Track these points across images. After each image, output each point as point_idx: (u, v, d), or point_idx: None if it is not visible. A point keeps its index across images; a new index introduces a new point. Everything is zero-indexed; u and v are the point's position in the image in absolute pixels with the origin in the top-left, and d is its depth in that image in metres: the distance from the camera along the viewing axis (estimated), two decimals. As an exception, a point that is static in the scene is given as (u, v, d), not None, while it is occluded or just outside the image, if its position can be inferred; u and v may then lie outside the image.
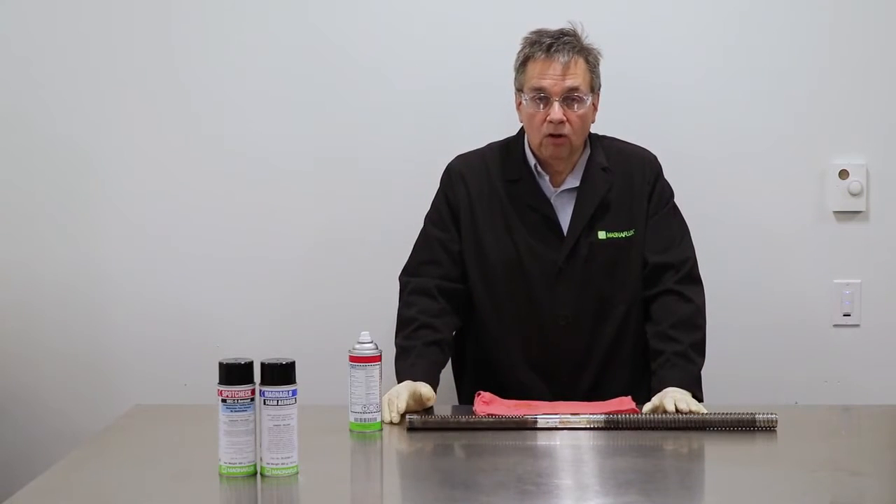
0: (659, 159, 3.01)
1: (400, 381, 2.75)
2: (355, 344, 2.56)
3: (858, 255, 3.38)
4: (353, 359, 2.55)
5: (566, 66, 2.83)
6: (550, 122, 2.83)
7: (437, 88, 3.35)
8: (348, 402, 2.55)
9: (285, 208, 3.41)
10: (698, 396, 2.76)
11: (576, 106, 2.84)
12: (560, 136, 2.85)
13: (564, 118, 2.83)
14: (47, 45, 3.38)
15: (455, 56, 3.34)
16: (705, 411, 2.60)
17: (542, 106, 2.85)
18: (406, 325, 2.89)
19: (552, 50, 2.83)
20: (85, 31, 3.38)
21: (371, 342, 2.56)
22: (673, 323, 2.86)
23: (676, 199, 3.01)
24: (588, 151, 2.95)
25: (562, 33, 2.87)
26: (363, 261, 3.39)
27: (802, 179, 3.37)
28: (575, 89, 2.83)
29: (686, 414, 2.59)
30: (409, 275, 2.98)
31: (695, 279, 2.94)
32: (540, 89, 2.84)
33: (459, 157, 3.04)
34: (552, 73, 2.83)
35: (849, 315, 3.39)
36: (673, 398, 2.64)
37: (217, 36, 3.38)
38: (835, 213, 3.37)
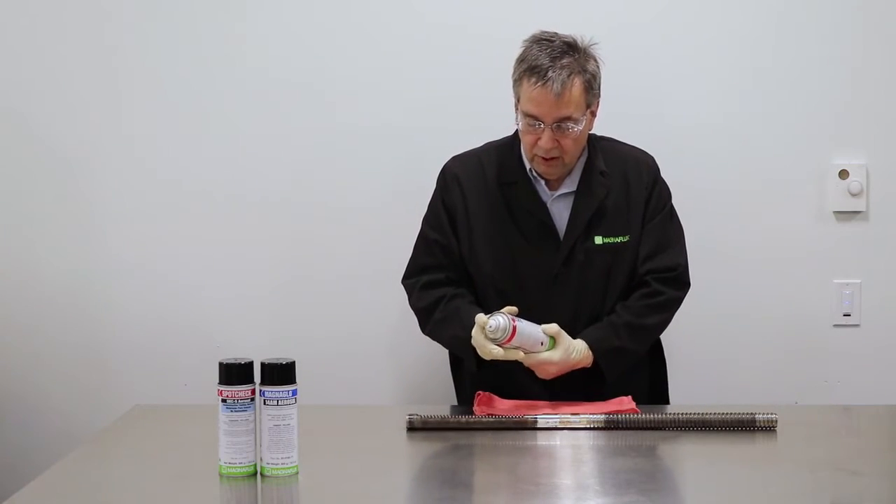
0: (659, 160, 2.98)
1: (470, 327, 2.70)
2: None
3: (858, 255, 3.38)
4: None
5: (560, 96, 2.72)
6: (541, 147, 2.78)
7: (437, 83, 3.35)
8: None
9: (286, 208, 3.40)
10: (603, 370, 2.75)
11: (568, 131, 2.77)
12: (551, 157, 2.80)
13: (555, 144, 2.77)
14: (46, 46, 3.38)
15: (455, 53, 3.34)
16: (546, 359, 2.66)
17: (534, 128, 2.78)
18: (436, 304, 2.85)
19: (547, 77, 2.72)
20: (84, 31, 3.37)
21: None
22: (626, 304, 2.84)
23: (677, 200, 2.99)
24: (586, 155, 2.89)
25: (562, 52, 2.76)
26: (364, 261, 3.38)
27: (802, 179, 3.37)
28: (567, 118, 2.75)
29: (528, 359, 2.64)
30: (414, 276, 2.93)
31: (680, 283, 2.90)
32: (532, 115, 2.77)
33: (455, 158, 2.98)
34: (545, 102, 2.73)
35: (849, 315, 3.38)
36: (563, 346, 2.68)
37: (216, 36, 3.37)
38: (835, 213, 3.37)
